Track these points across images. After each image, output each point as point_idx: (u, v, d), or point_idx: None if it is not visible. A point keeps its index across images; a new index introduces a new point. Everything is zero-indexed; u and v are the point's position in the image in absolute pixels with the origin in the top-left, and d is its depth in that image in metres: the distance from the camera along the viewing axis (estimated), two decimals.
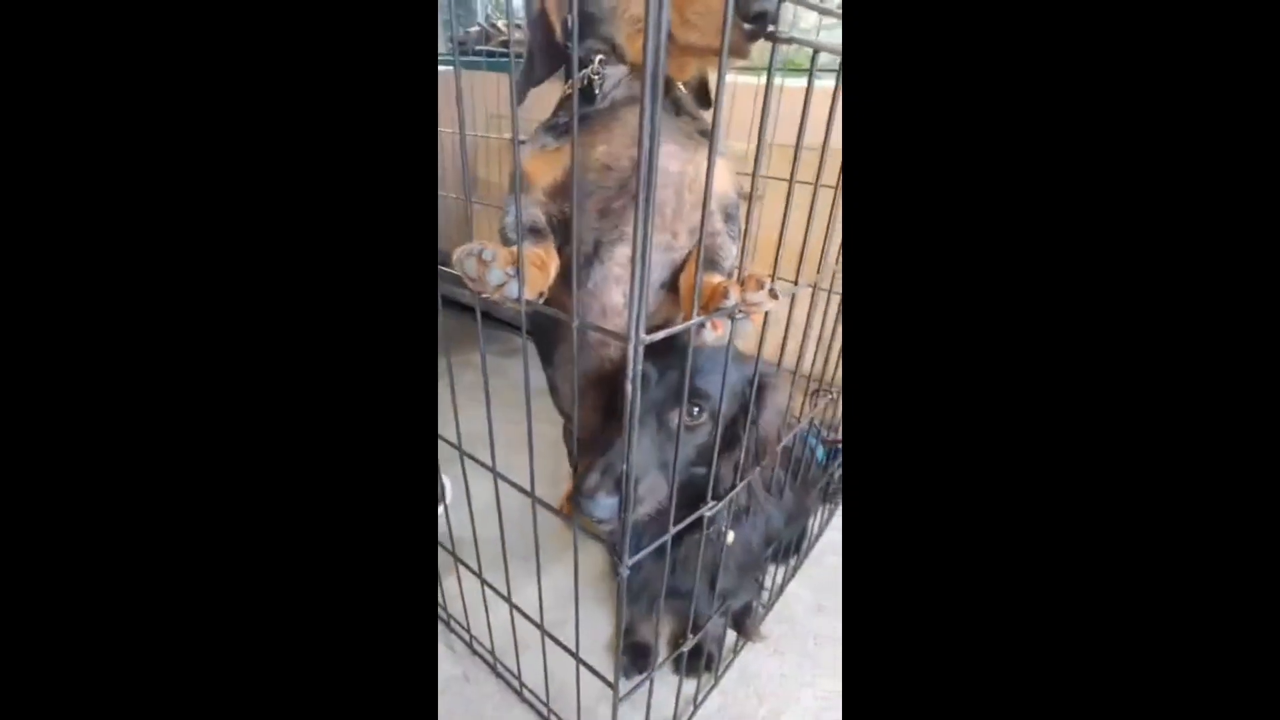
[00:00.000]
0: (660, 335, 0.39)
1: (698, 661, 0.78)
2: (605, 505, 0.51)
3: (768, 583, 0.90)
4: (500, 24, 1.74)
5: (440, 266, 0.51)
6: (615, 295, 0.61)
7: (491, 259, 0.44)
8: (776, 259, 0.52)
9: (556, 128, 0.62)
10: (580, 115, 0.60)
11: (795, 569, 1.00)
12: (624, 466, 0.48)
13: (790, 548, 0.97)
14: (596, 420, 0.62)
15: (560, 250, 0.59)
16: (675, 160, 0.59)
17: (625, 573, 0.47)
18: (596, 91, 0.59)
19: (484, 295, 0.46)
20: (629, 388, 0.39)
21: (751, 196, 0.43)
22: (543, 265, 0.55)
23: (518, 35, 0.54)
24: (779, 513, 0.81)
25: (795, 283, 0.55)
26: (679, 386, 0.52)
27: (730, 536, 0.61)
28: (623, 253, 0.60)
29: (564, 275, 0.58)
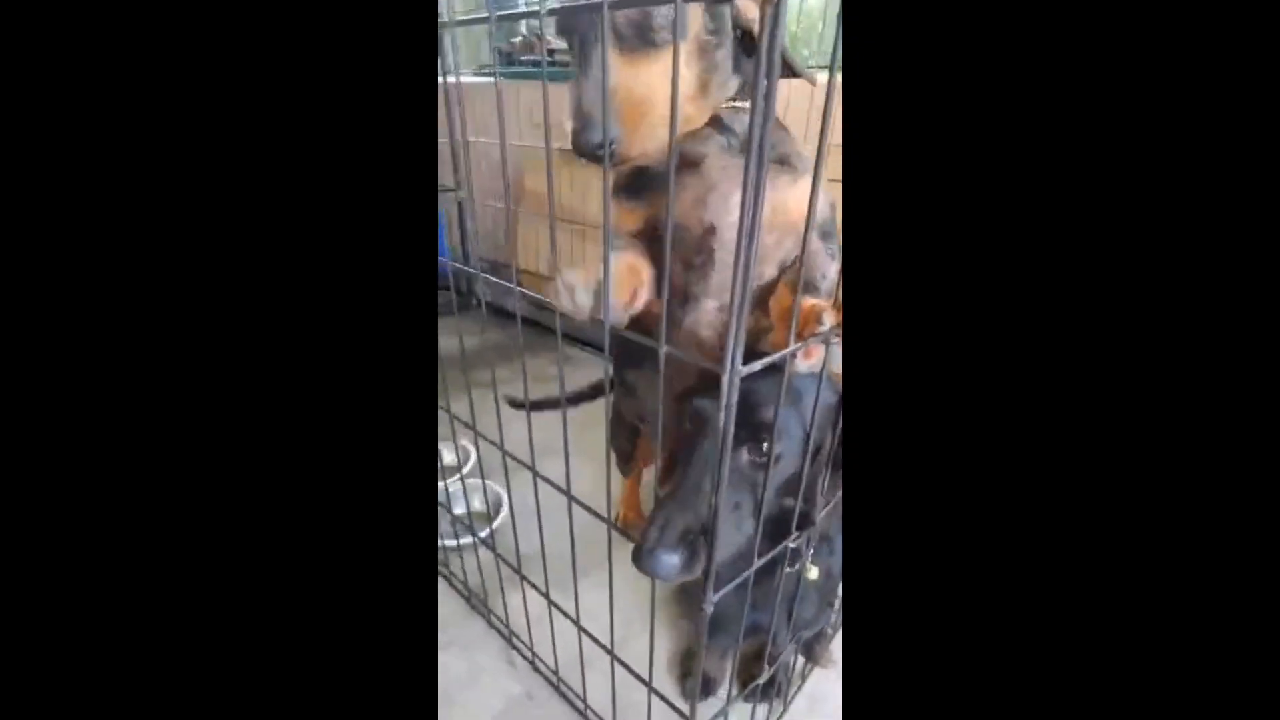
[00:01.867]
0: (757, 365, 0.36)
1: (768, 689, 0.75)
2: (667, 563, 0.45)
3: (836, 603, 0.86)
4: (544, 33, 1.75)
5: (520, 288, 0.52)
6: (707, 333, 0.61)
7: (575, 283, 0.43)
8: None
9: (630, 189, 0.61)
10: (650, 176, 0.60)
11: None
12: (692, 518, 0.45)
13: None
14: (673, 448, 0.60)
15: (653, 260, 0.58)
16: None
17: (709, 609, 0.44)
18: None
19: (579, 317, 0.46)
20: (721, 418, 0.37)
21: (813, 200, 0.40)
22: (634, 270, 0.54)
23: (562, 44, 0.53)
24: None
25: None
26: (745, 420, 0.49)
27: (814, 572, 0.58)
28: (710, 305, 0.60)
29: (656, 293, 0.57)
